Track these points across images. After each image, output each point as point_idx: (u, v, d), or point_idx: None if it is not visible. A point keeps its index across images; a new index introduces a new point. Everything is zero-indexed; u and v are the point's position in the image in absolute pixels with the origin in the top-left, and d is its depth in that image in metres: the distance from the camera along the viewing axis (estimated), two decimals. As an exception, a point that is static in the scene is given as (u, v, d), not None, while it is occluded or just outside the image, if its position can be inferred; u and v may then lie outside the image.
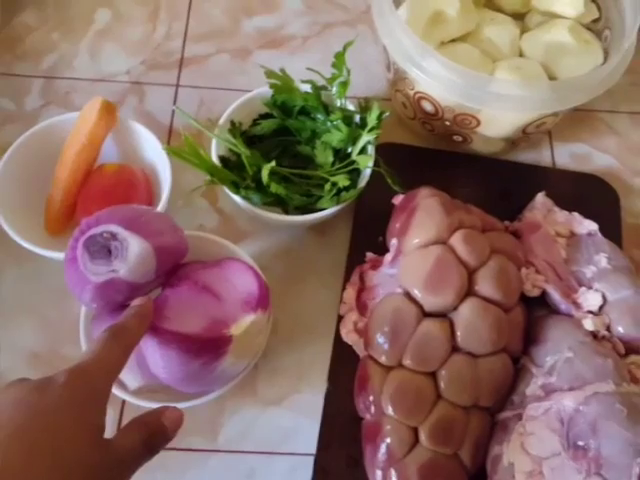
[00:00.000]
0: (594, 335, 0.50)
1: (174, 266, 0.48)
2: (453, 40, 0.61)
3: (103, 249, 0.42)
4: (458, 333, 0.47)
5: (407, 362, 0.47)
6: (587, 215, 0.58)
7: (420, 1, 0.60)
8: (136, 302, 0.43)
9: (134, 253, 0.42)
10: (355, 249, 0.60)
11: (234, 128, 0.60)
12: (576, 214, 0.59)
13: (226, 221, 0.63)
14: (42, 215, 0.57)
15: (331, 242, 0.62)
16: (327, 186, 0.56)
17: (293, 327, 0.58)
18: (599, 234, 0.57)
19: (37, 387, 0.33)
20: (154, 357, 0.43)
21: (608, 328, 0.50)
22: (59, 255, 0.51)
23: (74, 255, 0.43)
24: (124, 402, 0.53)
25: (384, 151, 0.59)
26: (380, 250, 0.58)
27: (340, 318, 0.55)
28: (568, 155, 0.68)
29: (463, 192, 0.59)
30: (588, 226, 0.58)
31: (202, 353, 0.42)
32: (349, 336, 0.53)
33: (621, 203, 0.64)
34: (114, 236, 0.42)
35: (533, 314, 0.52)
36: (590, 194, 0.64)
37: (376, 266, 0.56)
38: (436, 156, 0.65)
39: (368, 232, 0.60)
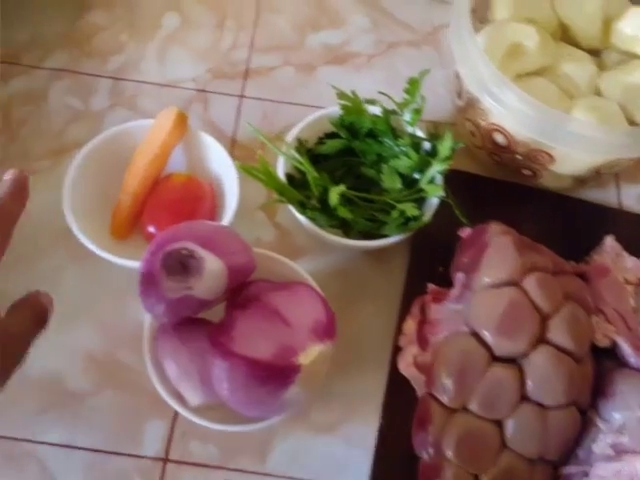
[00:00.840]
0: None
1: (241, 284, 0.47)
2: (529, 73, 0.59)
3: (179, 265, 0.42)
4: (529, 382, 0.46)
5: (473, 407, 0.46)
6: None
7: (499, 31, 0.59)
8: (8, 175, 0.39)
9: (209, 272, 0.42)
10: (413, 277, 0.59)
11: (300, 146, 0.60)
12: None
13: (283, 236, 0.62)
14: (108, 219, 0.57)
15: (388, 267, 0.61)
16: (394, 214, 0.55)
17: (346, 352, 0.56)
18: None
19: None
20: (220, 378, 0.42)
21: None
22: (122, 260, 0.51)
23: (150, 269, 0.42)
24: (176, 415, 0.53)
25: (449, 179, 0.58)
26: (440, 281, 0.57)
27: (397, 349, 0.54)
28: (635, 196, 0.66)
29: (528, 227, 0.57)
30: (658, 274, 0.56)
31: (270, 380, 0.42)
32: (408, 370, 0.52)
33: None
34: (192, 253, 0.42)
35: (600, 364, 0.51)
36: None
37: (439, 299, 0.54)
38: (502, 188, 0.63)
39: (427, 261, 0.59)
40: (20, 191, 0.38)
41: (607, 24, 0.62)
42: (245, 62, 0.72)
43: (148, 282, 0.42)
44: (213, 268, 0.42)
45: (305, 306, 0.45)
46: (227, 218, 0.54)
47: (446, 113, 0.70)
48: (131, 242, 0.56)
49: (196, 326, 0.47)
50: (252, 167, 0.52)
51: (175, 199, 0.55)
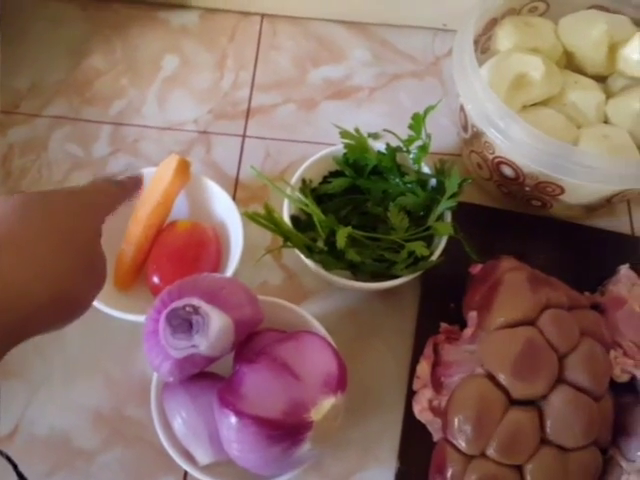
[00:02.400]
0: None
1: (248, 335, 0.46)
2: (535, 104, 0.58)
3: (185, 322, 0.41)
4: (548, 424, 0.44)
5: (491, 452, 0.44)
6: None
7: (503, 63, 0.58)
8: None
9: (215, 328, 0.41)
10: (425, 316, 0.58)
11: (305, 186, 0.59)
12: (662, 289, 0.56)
13: (290, 278, 0.61)
14: (111, 270, 0.55)
15: (398, 306, 0.60)
16: (403, 253, 0.54)
17: (358, 396, 0.55)
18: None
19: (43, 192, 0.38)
20: (229, 439, 0.41)
21: None
22: (126, 315, 0.50)
23: (155, 328, 0.41)
24: (186, 474, 0.51)
25: (457, 212, 0.57)
26: (452, 318, 0.56)
27: (411, 392, 0.53)
28: (649, 223, 0.65)
29: (539, 258, 0.57)
30: (676, 303, 0.55)
31: (281, 439, 0.40)
32: (423, 414, 0.50)
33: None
34: (196, 310, 0.41)
35: (620, 400, 0.49)
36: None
37: (451, 338, 0.53)
38: (511, 219, 0.62)
39: (438, 298, 0.58)
40: (138, 185, 0.49)
41: (613, 50, 0.61)
42: (246, 101, 0.72)
43: (153, 341, 0.41)
44: (219, 324, 0.41)
45: (315, 358, 0.44)
46: (232, 265, 0.53)
47: (451, 145, 0.69)
48: (135, 293, 0.55)
49: (204, 380, 0.46)
50: (256, 214, 0.51)
51: (179, 247, 0.54)
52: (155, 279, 0.53)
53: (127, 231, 0.55)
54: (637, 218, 0.65)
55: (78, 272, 0.36)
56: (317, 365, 0.43)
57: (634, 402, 0.49)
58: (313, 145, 0.69)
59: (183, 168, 0.54)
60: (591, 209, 0.61)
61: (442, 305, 0.57)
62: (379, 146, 0.59)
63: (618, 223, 0.65)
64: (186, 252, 0.53)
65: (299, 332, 0.46)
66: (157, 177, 0.54)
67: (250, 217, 0.51)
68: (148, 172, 0.55)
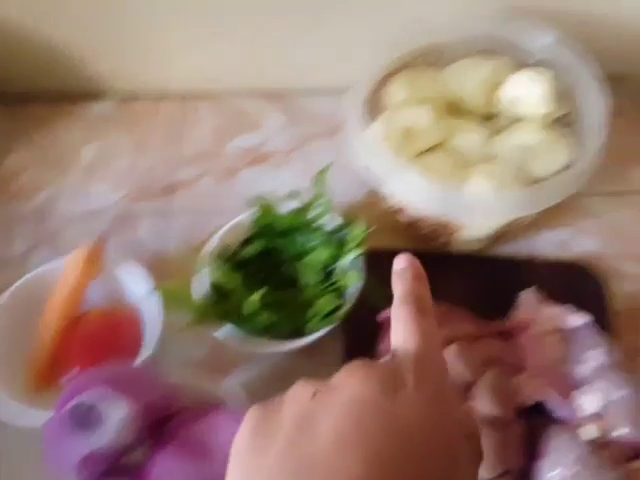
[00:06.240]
0: (597, 441, 0.48)
1: (162, 417, 0.46)
2: (427, 151, 0.62)
3: (87, 417, 0.42)
4: (458, 456, 0.46)
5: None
6: (575, 304, 0.57)
7: (392, 117, 0.62)
8: (400, 265, 0.40)
9: (118, 418, 0.42)
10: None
11: (222, 254, 0.61)
12: (566, 307, 0.58)
13: (215, 348, 0.61)
14: (25, 371, 0.55)
15: (324, 360, 0.60)
16: (315, 308, 0.56)
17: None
18: (592, 327, 0.56)
19: (384, 389, 0.30)
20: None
21: (611, 431, 0.49)
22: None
23: (56, 428, 0.42)
24: None
25: (369, 259, 0.59)
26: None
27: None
28: (550, 243, 0.68)
29: (449, 293, 0.57)
30: (580, 319, 0.56)
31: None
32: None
33: (608, 288, 0.63)
34: (96, 403, 0.42)
35: (532, 422, 0.51)
36: (576, 282, 0.63)
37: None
38: (420, 258, 0.65)
39: (361, 346, 0.58)
40: (421, 275, 0.40)
41: (493, 91, 0.65)
42: (167, 179, 0.75)
43: (55, 442, 0.41)
44: (120, 415, 0.42)
45: (228, 435, 0.44)
46: (150, 345, 0.54)
47: (361, 194, 0.72)
48: (54, 393, 0.52)
49: (120, 475, 0.45)
50: (171, 291, 0.53)
51: (94, 336, 0.55)
52: (73, 372, 0.53)
53: (39, 327, 0.56)
54: (540, 240, 0.68)
55: None
56: (228, 442, 0.44)
57: (544, 424, 0.51)
58: (235, 212, 0.70)
59: (93, 257, 0.56)
60: (491, 240, 0.64)
61: (366, 353, 0.59)
62: (288, 206, 0.62)
63: (523, 247, 0.68)
64: (102, 340, 0.55)
65: (212, 409, 0.47)
66: (66, 270, 0.56)
67: (164, 294, 0.53)
68: (58, 265, 0.57)
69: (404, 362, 0.32)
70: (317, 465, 0.27)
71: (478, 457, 0.32)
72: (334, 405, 0.29)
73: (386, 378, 0.30)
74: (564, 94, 0.64)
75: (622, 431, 0.49)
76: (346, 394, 0.29)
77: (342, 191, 0.70)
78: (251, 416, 0.31)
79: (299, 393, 0.30)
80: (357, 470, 0.26)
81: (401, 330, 0.34)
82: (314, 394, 0.29)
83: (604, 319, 0.60)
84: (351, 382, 0.30)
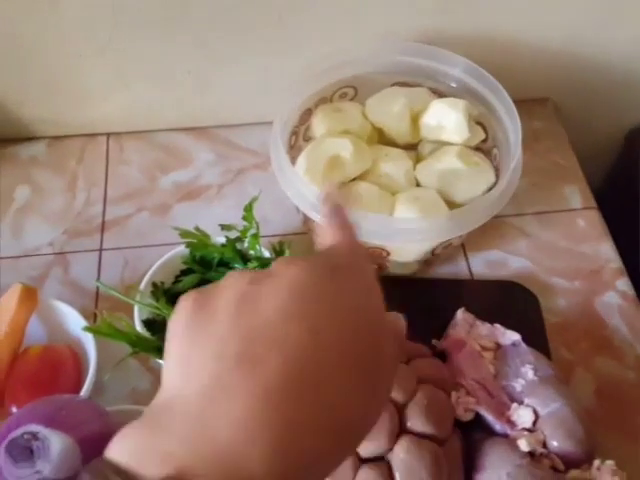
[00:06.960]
0: (532, 454, 0.50)
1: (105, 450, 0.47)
2: (351, 180, 0.64)
3: (25, 450, 0.42)
4: (397, 476, 0.47)
5: (347, 513, 0.47)
6: (510, 321, 0.60)
7: (316, 149, 0.64)
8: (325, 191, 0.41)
9: (57, 450, 0.42)
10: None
11: (156, 289, 0.62)
12: (498, 325, 0.60)
13: (158, 381, 0.62)
14: None
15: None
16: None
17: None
18: (522, 344, 0.58)
19: (322, 274, 0.31)
20: None
21: (544, 444, 0.51)
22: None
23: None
24: None
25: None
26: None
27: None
28: (483, 263, 0.71)
29: None
30: (511, 337, 0.59)
31: None
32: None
33: (541, 303, 0.66)
34: (35, 436, 0.42)
35: (469, 438, 0.53)
36: (510, 300, 0.66)
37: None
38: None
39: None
40: None
41: (415, 120, 0.68)
42: (100, 216, 0.75)
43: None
44: (60, 446, 0.42)
45: None
46: (87, 382, 0.54)
47: (299, 222, 0.73)
48: None
49: None
50: (99, 327, 0.54)
51: (33, 373, 0.55)
52: (13, 410, 0.53)
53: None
54: (473, 261, 0.71)
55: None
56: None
57: (483, 438, 0.53)
58: (170, 247, 0.70)
59: (27, 295, 0.56)
60: (425, 263, 0.66)
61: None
62: (220, 239, 0.63)
63: (457, 269, 0.70)
64: (41, 377, 0.55)
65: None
66: (2, 308, 0.56)
67: (93, 331, 0.53)
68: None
69: (336, 253, 0.35)
70: (265, 333, 0.28)
71: (398, 359, 0.36)
72: (275, 287, 0.30)
73: (322, 264, 0.32)
74: (481, 120, 0.68)
75: (552, 444, 0.51)
76: (286, 279, 0.30)
77: (277, 220, 0.72)
78: (186, 300, 0.30)
79: (235, 278, 0.31)
80: (305, 338, 0.28)
81: (330, 235, 0.36)
82: (251, 280, 0.30)
83: (542, 333, 0.63)
84: (290, 269, 0.31)
